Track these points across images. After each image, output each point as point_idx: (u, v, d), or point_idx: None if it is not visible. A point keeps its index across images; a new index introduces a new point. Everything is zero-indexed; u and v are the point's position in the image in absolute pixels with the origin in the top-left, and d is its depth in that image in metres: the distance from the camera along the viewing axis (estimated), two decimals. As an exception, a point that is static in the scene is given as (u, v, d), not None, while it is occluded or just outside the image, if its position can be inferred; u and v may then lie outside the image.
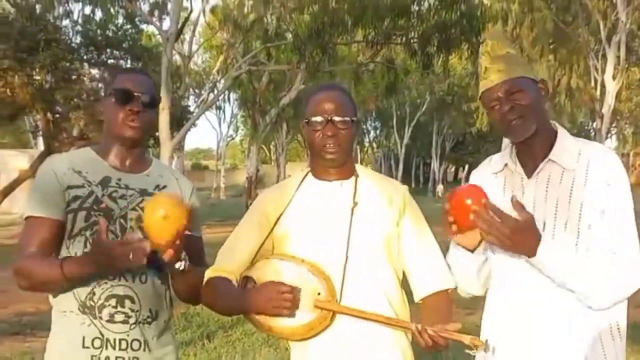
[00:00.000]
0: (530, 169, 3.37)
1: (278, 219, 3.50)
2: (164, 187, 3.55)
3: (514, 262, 3.26)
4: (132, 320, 3.36)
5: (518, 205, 3.08)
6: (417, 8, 27.66)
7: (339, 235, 3.37)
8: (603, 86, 32.91)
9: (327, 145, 3.39)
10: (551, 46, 34.74)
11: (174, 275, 3.41)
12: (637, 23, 34.14)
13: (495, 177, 3.51)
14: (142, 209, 3.31)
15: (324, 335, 3.32)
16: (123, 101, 3.40)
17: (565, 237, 3.18)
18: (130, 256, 3.01)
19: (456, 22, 26.66)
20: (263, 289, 3.25)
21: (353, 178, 3.52)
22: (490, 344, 3.17)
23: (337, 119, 3.38)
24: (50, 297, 3.45)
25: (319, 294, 3.25)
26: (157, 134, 22.11)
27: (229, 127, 76.15)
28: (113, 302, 3.33)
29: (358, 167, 3.59)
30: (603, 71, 32.97)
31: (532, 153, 3.36)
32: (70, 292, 3.33)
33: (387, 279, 3.42)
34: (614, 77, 31.96)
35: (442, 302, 3.45)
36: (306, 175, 3.61)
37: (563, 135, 3.39)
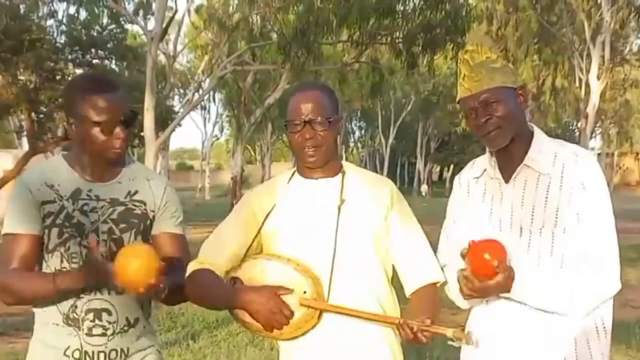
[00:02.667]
0: (508, 173, 3.37)
1: (265, 217, 3.49)
2: (135, 192, 3.49)
3: None
4: (109, 332, 3.38)
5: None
6: (402, 8, 27.69)
7: (327, 233, 3.36)
8: (587, 86, 33.00)
9: (306, 148, 3.38)
10: (536, 46, 34.88)
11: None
12: (621, 23, 34.21)
13: (476, 182, 3.52)
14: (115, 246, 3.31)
15: (311, 335, 3.31)
16: (108, 131, 3.27)
17: (540, 244, 3.22)
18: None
19: (441, 22, 26.70)
20: (261, 296, 3.23)
21: (340, 175, 3.50)
22: (473, 337, 3.17)
23: (314, 120, 3.36)
24: (33, 308, 3.45)
25: (304, 292, 3.25)
26: (141, 134, 22.07)
27: (214, 127, 75.97)
28: (91, 315, 3.34)
29: (345, 164, 3.57)
30: (587, 71, 33.05)
31: (510, 158, 3.36)
32: (53, 305, 3.34)
33: (376, 276, 3.42)
34: (598, 77, 32.04)
35: (429, 295, 3.44)
36: (293, 174, 3.59)
37: (539, 138, 3.38)
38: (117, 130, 3.29)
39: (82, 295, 3.32)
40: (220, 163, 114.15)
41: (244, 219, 3.52)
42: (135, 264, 3.04)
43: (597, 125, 54.03)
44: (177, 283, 3.36)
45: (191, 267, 3.45)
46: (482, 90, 3.26)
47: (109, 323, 3.37)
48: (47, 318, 3.37)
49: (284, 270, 3.30)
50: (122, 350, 3.42)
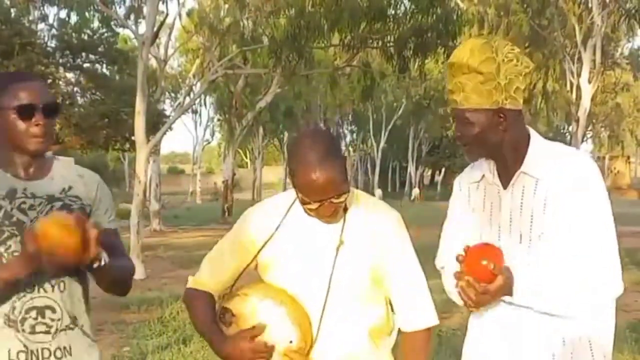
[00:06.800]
0: (506, 179, 3.35)
1: (263, 245, 3.43)
2: (70, 188, 3.48)
3: None
4: (53, 330, 3.35)
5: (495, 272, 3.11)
6: (393, 12, 27.69)
7: (322, 273, 3.32)
8: (579, 89, 32.99)
9: (325, 219, 3.29)
10: (527, 50, 34.81)
11: (93, 273, 3.34)
12: (612, 27, 34.27)
13: (476, 188, 3.51)
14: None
15: None
16: (25, 116, 3.29)
17: (541, 249, 3.20)
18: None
19: (432, 26, 26.68)
20: (239, 343, 3.23)
21: (341, 214, 3.39)
22: None
23: (334, 198, 3.20)
24: None
25: (290, 342, 3.24)
26: (133, 138, 22.04)
27: (205, 131, 76.01)
28: (33, 313, 3.31)
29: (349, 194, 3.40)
30: (579, 75, 33.04)
31: (506, 164, 3.34)
32: None
33: (370, 318, 3.40)
34: (589, 81, 32.04)
35: (420, 341, 3.46)
36: (294, 201, 3.43)
37: (536, 143, 3.35)
38: (37, 116, 3.29)
39: (23, 295, 3.29)
40: (212, 167, 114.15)
41: (242, 243, 3.49)
42: (54, 226, 3.01)
43: (589, 128, 54.09)
44: (119, 267, 3.40)
45: (189, 283, 3.52)
46: (456, 109, 3.28)
47: (52, 320, 3.34)
48: None
49: (274, 315, 3.27)
50: (65, 348, 3.39)
